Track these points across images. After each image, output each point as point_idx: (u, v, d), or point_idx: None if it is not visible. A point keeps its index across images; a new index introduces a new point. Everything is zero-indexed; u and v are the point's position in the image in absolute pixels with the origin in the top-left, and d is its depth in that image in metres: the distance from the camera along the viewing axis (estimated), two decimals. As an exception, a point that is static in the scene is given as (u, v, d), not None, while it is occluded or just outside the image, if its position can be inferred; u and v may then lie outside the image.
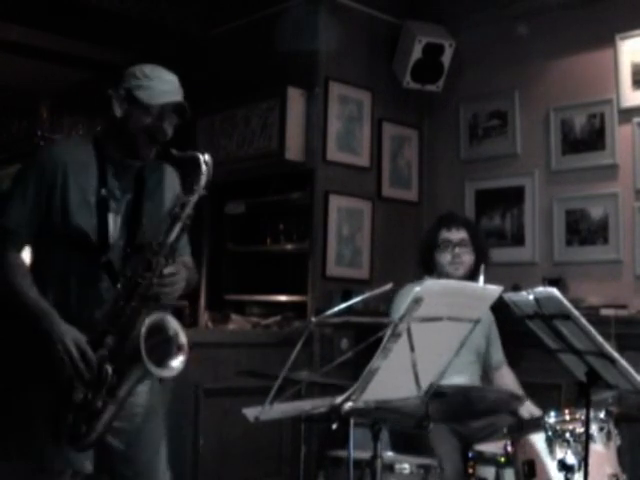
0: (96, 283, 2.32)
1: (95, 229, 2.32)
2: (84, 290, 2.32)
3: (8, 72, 6.15)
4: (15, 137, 6.19)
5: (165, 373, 2.24)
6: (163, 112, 2.34)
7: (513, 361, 3.61)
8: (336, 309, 2.03)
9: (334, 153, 4.84)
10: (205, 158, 2.31)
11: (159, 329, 2.24)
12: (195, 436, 3.81)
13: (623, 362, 2.14)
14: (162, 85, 2.36)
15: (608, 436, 2.51)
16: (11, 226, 2.33)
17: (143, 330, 2.16)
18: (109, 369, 2.20)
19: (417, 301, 1.95)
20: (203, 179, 2.30)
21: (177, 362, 2.24)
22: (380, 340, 2.00)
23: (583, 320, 2.13)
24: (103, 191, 2.34)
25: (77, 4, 4.97)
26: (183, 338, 2.26)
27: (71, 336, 2.22)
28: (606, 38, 4.43)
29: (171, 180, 2.52)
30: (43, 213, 2.32)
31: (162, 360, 2.23)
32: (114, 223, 2.35)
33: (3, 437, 2.37)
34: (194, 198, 2.30)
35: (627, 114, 4.37)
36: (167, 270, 2.28)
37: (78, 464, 2.32)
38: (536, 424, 2.58)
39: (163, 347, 2.24)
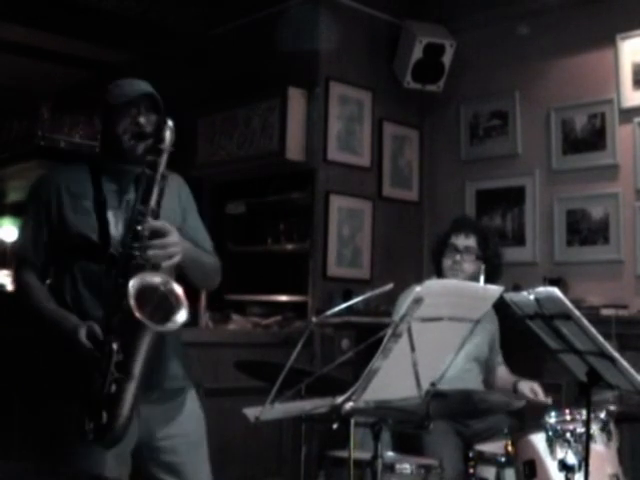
0: (105, 279, 2.31)
1: (95, 228, 2.34)
2: (94, 290, 2.33)
3: (8, 72, 6.16)
4: (15, 137, 6.19)
5: (170, 327, 2.20)
6: (137, 108, 2.39)
7: (513, 361, 3.60)
8: (337, 309, 2.03)
9: (335, 153, 4.84)
10: (167, 121, 2.34)
11: (150, 290, 2.20)
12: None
13: (623, 362, 2.13)
14: (130, 86, 2.43)
15: (609, 436, 2.51)
16: (21, 252, 2.44)
17: (130, 294, 2.13)
18: (114, 346, 2.17)
19: (417, 301, 1.95)
20: (167, 136, 2.31)
21: (181, 314, 2.21)
22: (381, 340, 2.00)
23: (584, 320, 2.13)
24: (99, 195, 2.38)
25: (77, 4, 4.98)
26: (175, 287, 2.23)
27: (82, 326, 2.23)
28: (606, 38, 4.43)
29: (176, 187, 2.51)
30: (45, 232, 2.40)
31: (167, 317, 2.20)
32: (115, 218, 2.36)
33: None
34: (163, 158, 2.31)
35: (628, 114, 4.37)
36: (150, 227, 2.24)
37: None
38: (537, 421, 2.58)
39: (163, 305, 2.21)
